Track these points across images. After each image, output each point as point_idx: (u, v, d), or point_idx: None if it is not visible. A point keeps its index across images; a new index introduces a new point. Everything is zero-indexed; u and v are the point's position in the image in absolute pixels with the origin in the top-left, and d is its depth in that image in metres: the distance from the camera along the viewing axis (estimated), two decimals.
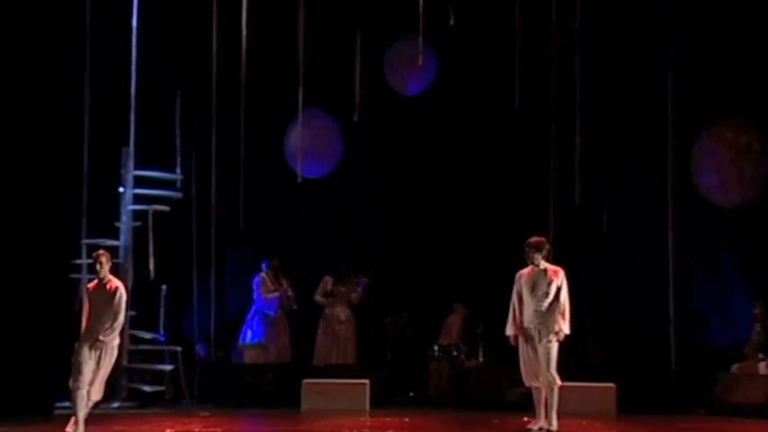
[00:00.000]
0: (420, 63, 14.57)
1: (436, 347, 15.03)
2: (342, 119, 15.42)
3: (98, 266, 11.25)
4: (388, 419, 12.95)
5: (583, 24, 14.37)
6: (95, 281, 11.39)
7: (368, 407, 13.90)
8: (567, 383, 13.74)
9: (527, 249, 11.51)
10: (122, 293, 11.22)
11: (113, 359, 11.26)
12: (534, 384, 11.51)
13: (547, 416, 11.49)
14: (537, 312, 11.30)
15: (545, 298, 11.29)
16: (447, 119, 15.96)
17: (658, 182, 14.58)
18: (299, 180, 14.67)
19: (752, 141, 14.42)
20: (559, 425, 11.43)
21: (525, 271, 11.51)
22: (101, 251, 11.49)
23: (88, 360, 11.02)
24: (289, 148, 15.27)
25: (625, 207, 15.10)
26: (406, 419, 13.05)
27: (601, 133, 14.87)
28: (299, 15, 14.22)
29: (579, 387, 13.60)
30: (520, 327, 11.39)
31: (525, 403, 13.97)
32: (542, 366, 11.31)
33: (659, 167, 14.58)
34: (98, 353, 11.05)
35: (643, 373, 14.22)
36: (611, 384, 13.69)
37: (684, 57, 14.51)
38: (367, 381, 14.16)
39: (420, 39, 14.25)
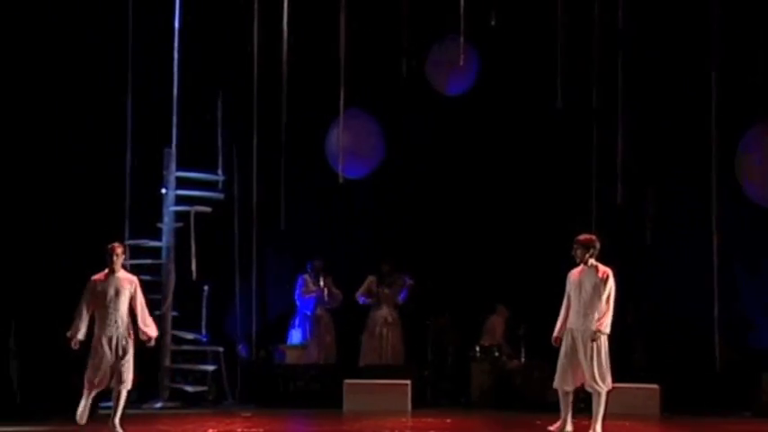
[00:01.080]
0: (461, 63, 14.52)
1: (478, 348, 14.98)
2: (383, 119, 15.41)
3: (114, 258, 11.10)
4: (429, 420, 12.92)
5: (626, 23, 14.26)
6: (104, 272, 11.22)
7: (409, 407, 13.87)
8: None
9: (575, 246, 11.21)
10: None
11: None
12: (565, 389, 11.16)
13: (591, 423, 11.12)
14: (580, 313, 10.97)
15: (591, 298, 10.94)
16: (489, 119, 15.91)
17: (702, 182, 14.44)
18: (341, 181, 14.66)
19: None
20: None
21: (575, 270, 11.19)
22: (116, 243, 11.36)
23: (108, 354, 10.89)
24: (330, 148, 15.28)
25: (668, 207, 14.98)
26: (448, 420, 13.02)
27: (644, 133, 14.77)
28: (341, 15, 14.22)
29: (623, 388, 13.47)
30: (562, 328, 11.11)
31: None
32: (589, 370, 10.97)
33: (703, 167, 14.44)
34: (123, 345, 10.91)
35: (687, 375, 14.10)
36: (655, 386, 13.59)
37: (729, 56, 14.37)
38: (409, 381, 14.14)
39: (462, 39, 14.21)
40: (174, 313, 14.81)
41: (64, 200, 13.51)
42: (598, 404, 11.01)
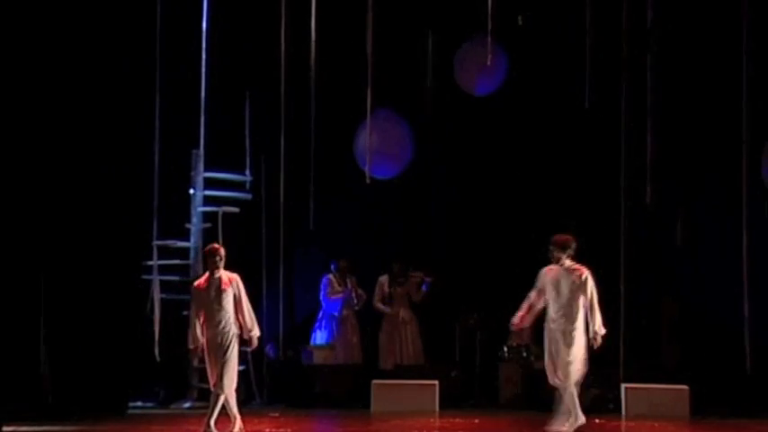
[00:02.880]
0: (489, 63, 14.49)
1: (506, 348, 14.95)
2: (412, 120, 15.40)
3: (218, 259, 11.01)
4: (457, 420, 12.90)
5: (655, 22, 14.19)
6: (204, 277, 11.17)
7: (437, 408, 13.85)
8: (639, 385, 13.65)
9: (551, 247, 11.31)
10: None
11: None
12: (556, 383, 11.26)
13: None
14: (559, 314, 11.10)
15: (569, 300, 11.07)
16: (517, 119, 15.87)
17: (732, 180, 14.35)
18: (368, 181, 14.66)
19: None
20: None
21: (551, 270, 11.29)
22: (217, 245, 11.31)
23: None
24: (359, 149, 15.27)
25: (698, 206, 14.90)
26: (476, 420, 13.00)
27: (673, 133, 14.69)
28: (369, 15, 14.22)
29: (652, 389, 13.48)
30: (525, 318, 11.26)
31: (597, 405, 13.88)
32: (556, 366, 11.06)
33: (733, 166, 14.35)
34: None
35: (717, 376, 14.00)
36: (684, 386, 13.51)
37: (760, 53, 14.27)
38: (437, 382, 14.11)
39: (489, 39, 14.18)
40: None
41: (93, 201, 13.56)
42: (569, 399, 11.04)
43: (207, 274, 11.18)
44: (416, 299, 15.53)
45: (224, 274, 11.10)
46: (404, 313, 15.42)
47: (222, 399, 11.07)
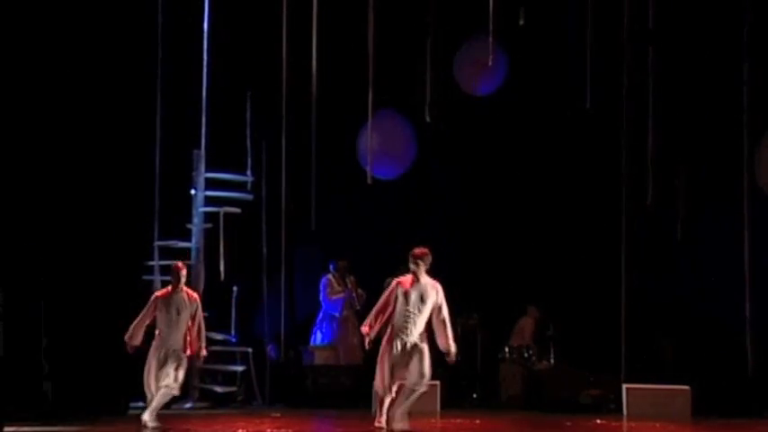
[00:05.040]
0: (490, 63, 14.49)
1: (507, 349, 14.95)
2: (414, 120, 15.40)
3: (180, 276, 11.78)
4: (458, 421, 12.90)
5: (656, 22, 14.20)
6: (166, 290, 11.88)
7: (439, 408, 13.84)
8: (640, 385, 13.66)
9: (411, 259, 11.13)
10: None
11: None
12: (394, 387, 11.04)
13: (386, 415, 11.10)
14: (412, 323, 10.88)
15: (422, 312, 10.89)
16: (518, 119, 15.89)
17: (733, 181, 14.36)
18: (369, 181, 14.66)
19: None
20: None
21: (406, 280, 11.12)
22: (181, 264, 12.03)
23: None
24: (362, 149, 15.27)
25: (699, 207, 14.89)
26: (477, 421, 12.99)
27: (674, 132, 14.69)
28: (370, 15, 14.22)
29: (653, 390, 13.47)
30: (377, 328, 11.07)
31: (598, 406, 13.89)
32: (417, 372, 10.84)
33: (733, 167, 14.36)
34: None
35: (719, 376, 14.00)
36: (685, 387, 13.51)
37: (760, 55, 14.28)
38: (438, 382, 14.10)
39: (491, 39, 14.19)
40: (204, 314, 14.82)
41: (95, 201, 13.55)
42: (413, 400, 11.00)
43: (170, 287, 11.78)
44: None
45: (185, 290, 11.77)
46: None
47: (170, 397, 11.72)
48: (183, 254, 14.82)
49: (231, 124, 15.25)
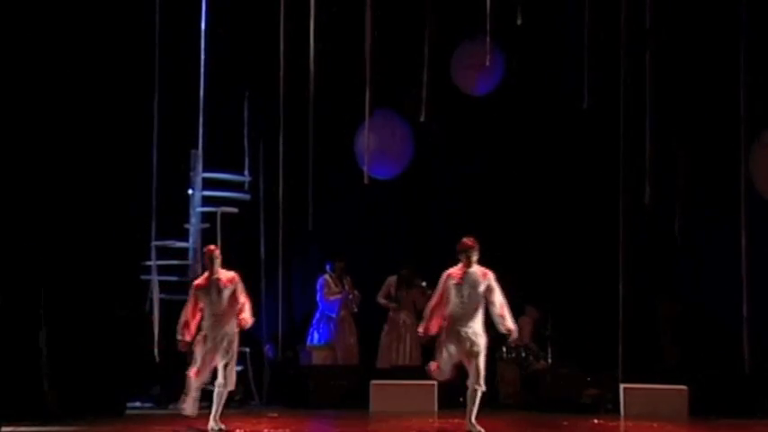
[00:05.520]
0: (488, 63, 14.49)
1: (505, 349, 14.95)
2: (411, 120, 15.40)
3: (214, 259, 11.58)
4: (456, 421, 12.88)
5: (654, 22, 14.21)
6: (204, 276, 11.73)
7: (436, 408, 13.84)
8: (637, 385, 13.67)
9: (459, 250, 11.44)
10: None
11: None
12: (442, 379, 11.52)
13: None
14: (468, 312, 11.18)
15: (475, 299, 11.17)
16: (516, 119, 15.88)
17: (731, 180, 14.36)
18: (367, 181, 14.66)
19: None
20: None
21: (456, 271, 11.36)
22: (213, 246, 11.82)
23: None
24: (359, 149, 15.28)
25: (696, 207, 14.89)
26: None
27: (671, 132, 14.70)
28: (367, 15, 14.22)
29: (650, 389, 13.48)
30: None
31: (595, 405, 13.89)
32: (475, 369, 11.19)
33: (731, 165, 14.36)
34: None
35: (716, 375, 14.01)
36: (683, 387, 13.52)
37: (758, 54, 14.28)
38: (435, 382, 14.10)
39: (488, 39, 14.18)
40: None
41: (92, 201, 13.55)
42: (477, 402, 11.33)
43: (206, 273, 11.54)
44: (420, 307, 15.48)
45: (223, 273, 11.46)
46: (406, 317, 15.40)
47: (226, 395, 11.38)
48: (181, 254, 14.83)
49: (229, 124, 15.25)
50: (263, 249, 15.41)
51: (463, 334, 11.16)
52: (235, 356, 11.51)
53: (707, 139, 14.78)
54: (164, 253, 14.64)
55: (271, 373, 15.16)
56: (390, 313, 15.47)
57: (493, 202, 16.00)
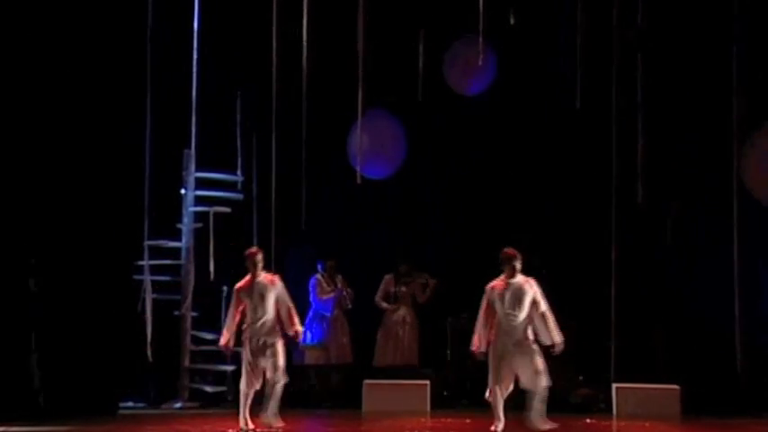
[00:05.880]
0: (480, 63, 14.50)
1: None
2: (404, 119, 15.41)
3: (257, 262, 11.38)
4: (449, 420, 12.91)
5: (646, 22, 14.23)
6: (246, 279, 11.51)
7: (429, 408, 13.85)
8: (630, 385, 13.70)
9: (502, 260, 11.29)
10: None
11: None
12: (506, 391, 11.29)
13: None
14: (515, 324, 11.03)
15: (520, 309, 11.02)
16: (508, 119, 15.87)
17: (723, 181, 14.39)
18: (359, 181, 14.67)
19: None
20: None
21: (498, 282, 11.23)
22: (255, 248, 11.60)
23: None
24: (352, 149, 15.28)
25: (689, 206, 14.91)
26: (468, 420, 13.01)
27: (664, 132, 14.71)
28: (360, 15, 14.22)
29: (643, 389, 13.50)
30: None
31: (588, 405, 13.91)
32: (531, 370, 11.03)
33: (723, 166, 14.39)
34: None
35: (708, 375, 14.03)
36: (675, 386, 13.54)
37: (750, 55, 14.31)
38: (428, 382, 14.12)
39: (480, 38, 14.20)
40: (194, 314, 14.85)
41: (84, 201, 13.53)
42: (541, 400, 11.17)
43: (248, 276, 11.36)
44: (421, 300, 15.48)
45: (265, 276, 11.36)
46: (406, 313, 15.38)
47: (281, 388, 11.22)
48: (173, 254, 14.84)
49: (221, 124, 15.25)
50: None
51: (510, 348, 10.96)
52: (280, 355, 11.21)
53: (699, 140, 14.78)
54: (156, 253, 14.65)
55: None
56: (387, 311, 15.44)
57: (485, 202, 15.99)
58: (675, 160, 14.88)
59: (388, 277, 15.47)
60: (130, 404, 14.36)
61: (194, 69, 14.57)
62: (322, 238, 15.84)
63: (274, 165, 14.90)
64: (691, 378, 13.77)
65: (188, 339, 14.77)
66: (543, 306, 11.09)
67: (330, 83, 14.89)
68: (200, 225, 14.86)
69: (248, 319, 11.26)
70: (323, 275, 15.50)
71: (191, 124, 14.60)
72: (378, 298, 15.47)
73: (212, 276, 14.58)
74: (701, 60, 14.69)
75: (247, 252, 11.50)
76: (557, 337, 11.02)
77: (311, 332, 15.63)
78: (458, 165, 16.15)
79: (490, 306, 11.12)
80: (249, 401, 11.32)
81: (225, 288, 14.83)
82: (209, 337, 14.80)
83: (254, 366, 11.19)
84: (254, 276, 11.35)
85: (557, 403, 13.85)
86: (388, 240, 16.14)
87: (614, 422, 13.09)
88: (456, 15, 14.79)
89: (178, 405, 14.40)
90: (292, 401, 14.53)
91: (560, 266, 15.36)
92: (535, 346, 11.00)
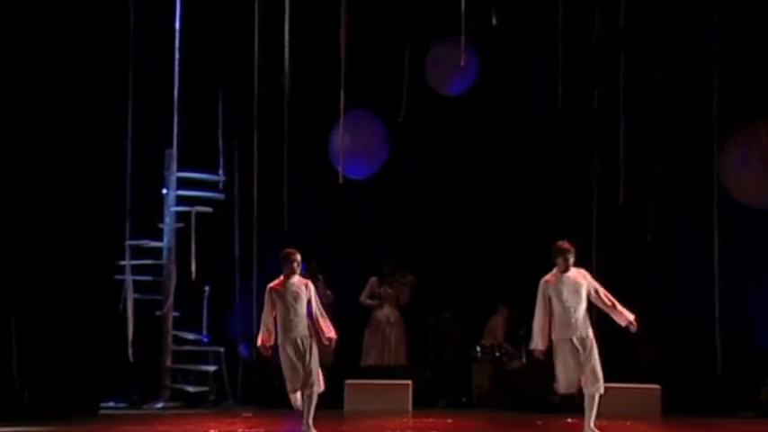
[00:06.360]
0: (462, 63, 14.52)
1: (479, 348, 14.99)
2: (386, 119, 15.42)
3: (295, 265, 10.99)
4: (430, 420, 12.92)
5: (627, 23, 14.28)
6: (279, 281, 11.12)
7: (411, 407, 13.87)
8: (611, 384, 13.71)
9: (556, 253, 10.98)
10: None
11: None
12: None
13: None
14: (575, 316, 10.72)
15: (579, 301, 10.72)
16: (490, 119, 15.90)
17: (703, 181, 14.45)
18: (341, 181, 14.68)
19: None
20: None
21: (552, 276, 10.95)
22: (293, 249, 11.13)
23: None
24: (334, 149, 15.28)
25: (670, 206, 14.97)
26: (449, 420, 13.02)
27: (645, 132, 14.76)
28: (342, 15, 14.23)
29: (624, 388, 13.50)
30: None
31: (569, 405, 13.92)
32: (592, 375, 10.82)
33: (704, 166, 14.45)
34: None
35: (689, 375, 14.08)
36: (656, 386, 13.58)
37: (731, 55, 14.37)
38: (410, 381, 14.13)
39: (462, 39, 14.22)
40: (176, 314, 14.83)
41: (66, 200, 13.50)
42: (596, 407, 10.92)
43: (282, 278, 11.03)
44: (404, 301, 15.49)
45: (298, 279, 11.03)
46: (391, 314, 15.39)
47: (316, 396, 10.99)
48: (155, 253, 14.82)
49: (203, 123, 15.21)
50: (237, 249, 15.37)
51: (573, 342, 10.66)
52: (315, 358, 10.95)
53: (680, 140, 14.84)
54: (138, 252, 14.62)
55: (245, 372, 15.14)
56: (374, 312, 15.42)
57: (467, 202, 16.02)
58: (657, 160, 14.93)
59: (373, 279, 15.47)
60: (112, 404, 14.33)
61: (176, 69, 14.54)
62: (304, 238, 15.81)
63: (256, 165, 14.88)
64: (672, 378, 13.81)
65: (170, 339, 14.76)
66: (603, 292, 10.79)
67: (312, 83, 14.89)
68: (181, 225, 14.83)
69: (281, 321, 10.94)
70: (305, 276, 15.47)
71: (173, 124, 14.57)
72: (363, 298, 15.47)
73: (194, 276, 14.57)
74: (683, 62, 14.75)
75: (286, 252, 11.07)
76: (630, 316, 10.75)
77: None
78: (440, 165, 16.16)
79: (547, 301, 10.82)
80: (307, 404, 10.99)
81: (207, 288, 14.86)
82: (190, 336, 14.81)
83: (292, 372, 10.91)
84: (288, 278, 10.98)
85: (538, 403, 13.92)
86: (370, 240, 16.14)
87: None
88: (438, 16, 14.80)
89: (160, 405, 14.37)
90: (274, 401, 14.54)
91: (541, 267, 15.37)
92: (594, 343, 10.74)
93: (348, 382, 14.15)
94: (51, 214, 13.40)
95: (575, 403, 13.92)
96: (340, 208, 16.00)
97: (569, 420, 12.90)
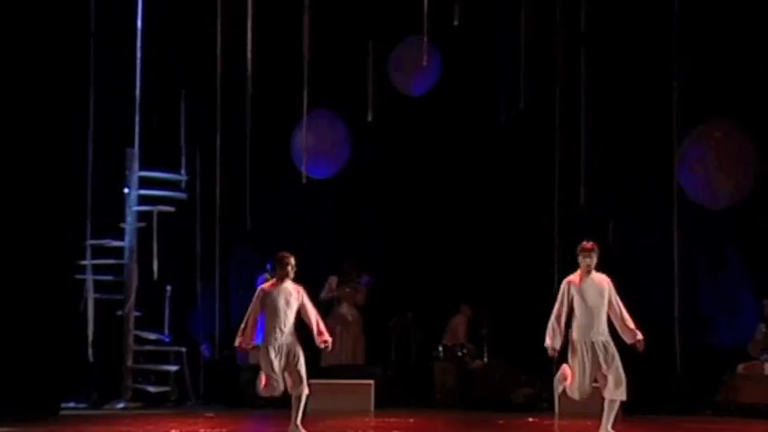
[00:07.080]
0: (425, 63, 14.56)
1: (441, 348, 15.03)
2: (348, 119, 15.43)
3: (289, 269, 10.75)
4: (392, 420, 12.95)
5: (588, 25, 14.37)
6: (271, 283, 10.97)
7: (373, 407, 13.89)
8: None
9: (582, 253, 10.79)
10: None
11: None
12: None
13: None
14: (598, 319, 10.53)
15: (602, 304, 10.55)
16: (452, 119, 15.94)
17: (663, 182, 14.56)
18: (304, 180, 14.68)
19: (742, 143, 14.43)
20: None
21: (576, 276, 10.75)
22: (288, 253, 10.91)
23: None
24: (296, 149, 15.28)
25: (629, 208, 15.07)
26: (411, 420, 13.05)
27: (606, 135, 14.85)
28: (305, 15, 14.23)
29: None
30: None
31: (530, 404, 14.02)
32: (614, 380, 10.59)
33: (664, 168, 14.56)
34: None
35: (648, 374, 14.17)
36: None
37: (690, 57, 14.48)
38: (372, 381, 14.15)
39: (425, 39, 14.25)
40: (137, 313, 14.78)
41: (26, 199, 13.41)
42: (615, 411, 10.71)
43: (275, 280, 10.88)
44: (360, 303, 15.49)
45: (291, 283, 10.83)
46: (349, 313, 15.40)
47: (304, 399, 10.89)
48: (117, 253, 14.75)
49: (165, 122, 15.17)
50: (199, 248, 15.33)
51: (595, 345, 10.42)
52: (300, 360, 10.74)
53: (641, 142, 14.94)
54: (99, 252, 14.56)
55: (207, 372, 15.11)
56: (333, 310, 15.40)
57: (429, 201, 16.06)
58: (618, 162, 15.03)
59: (332, 278, 15.48)
60: (72, 405, 14.25)
61: (138, 68, 14.49)
62: (266, 237, 15.82)
63: (219, 164, 14.87)
64: (631, 377, 13.88)
65: (131, 339, 14.70)
66: (618, 304, 10.63)
67: (275, 83, 14.88)
68: (143, 224, 14.78)
69: (269, 324, 10.75)
70: (271, 274, 15.46)
71: (134, 123, 14.51)
72: (323, 295, 15.46)
73: (156, 276, 14.53)
74: (642, 61, 14.85)
75: (280, 255, 10.86)
76: (639, 335, 10.57)
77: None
78: (402, 164, 16.19)
79: (569, 301, 10.57)
80: (295, 405, 10.86)
81: (169, 288, 14.82)
82: (152, 336, 14.76)
83: (272, 374, 10.73)
84: (281, 281, 10.79)
85: (500, 402, 14.00)
86: (332, 240, 16.15)
87: (556, 421, 13.19)
88: (401, 16, 14.84)
89: (121, 405, 14.32)
90: (236, 401, 14.54)
91: (503, 267, 15.47)
92: (616, 351, 10.49)
93: (310, 381, 14.11)
94: (11, 213, 13.30)
95: (536, 403, 14.09)
96: (303, 207, 16.00)
97: (530, 420, 12.98)
